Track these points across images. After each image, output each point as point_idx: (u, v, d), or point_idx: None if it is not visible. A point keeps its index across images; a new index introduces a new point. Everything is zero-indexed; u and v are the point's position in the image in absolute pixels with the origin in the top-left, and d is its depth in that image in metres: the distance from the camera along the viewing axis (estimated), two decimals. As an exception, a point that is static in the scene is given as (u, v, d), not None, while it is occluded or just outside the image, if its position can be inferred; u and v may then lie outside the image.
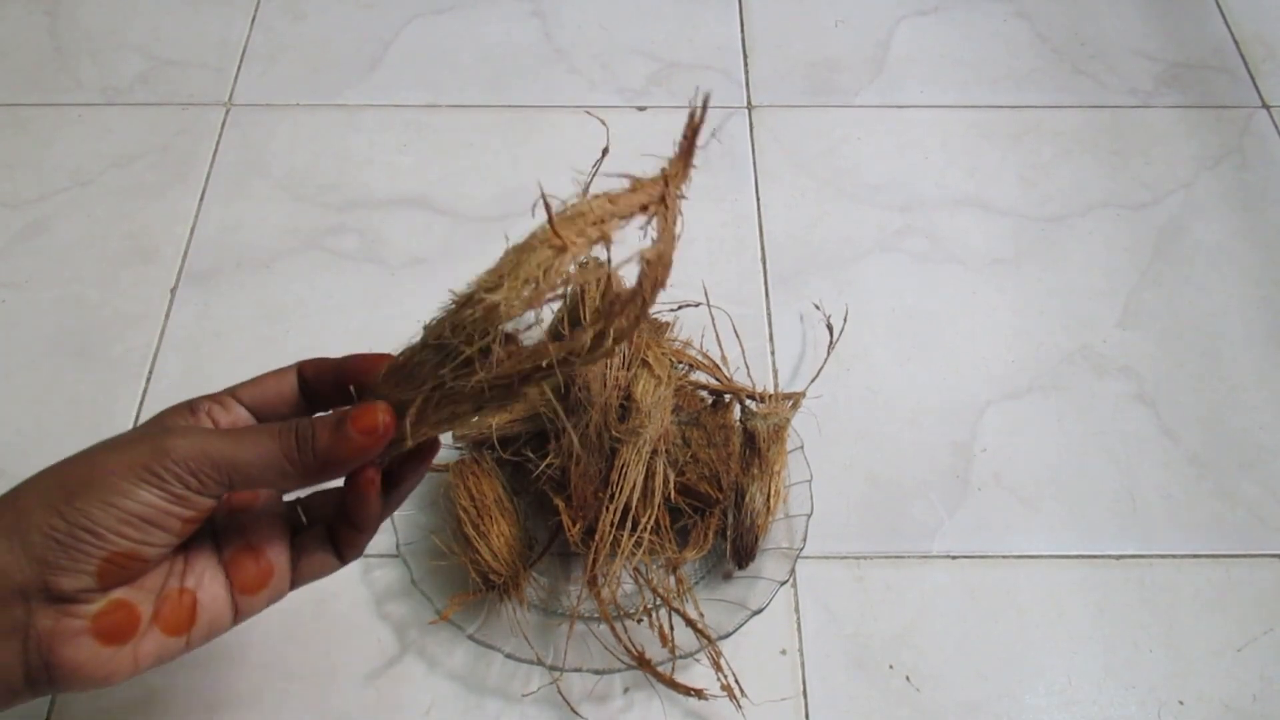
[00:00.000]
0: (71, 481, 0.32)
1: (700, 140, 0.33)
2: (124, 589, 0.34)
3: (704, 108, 0.32)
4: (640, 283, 0.32)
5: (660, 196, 0.32)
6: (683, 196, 0.33)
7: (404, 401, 0.35)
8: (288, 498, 0.42)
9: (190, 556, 0.37)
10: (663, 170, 0.33)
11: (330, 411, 0.36)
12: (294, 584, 0.40)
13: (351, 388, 0.38)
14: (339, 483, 0.39)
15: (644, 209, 0.32)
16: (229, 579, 0.37)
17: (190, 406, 0.37)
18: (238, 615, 0.38)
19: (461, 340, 0.33)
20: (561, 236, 0.31)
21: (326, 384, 0.39)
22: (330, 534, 0.39)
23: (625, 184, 0.32)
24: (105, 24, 0.89)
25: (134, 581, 0.34)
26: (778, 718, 0.57)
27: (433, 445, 0.39)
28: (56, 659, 0.32)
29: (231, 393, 0.38)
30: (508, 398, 0.34)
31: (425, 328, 0.35)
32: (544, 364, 0.32)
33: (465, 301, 0.33)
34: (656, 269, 0.32)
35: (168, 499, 0.33)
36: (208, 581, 0.37)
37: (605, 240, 0.32)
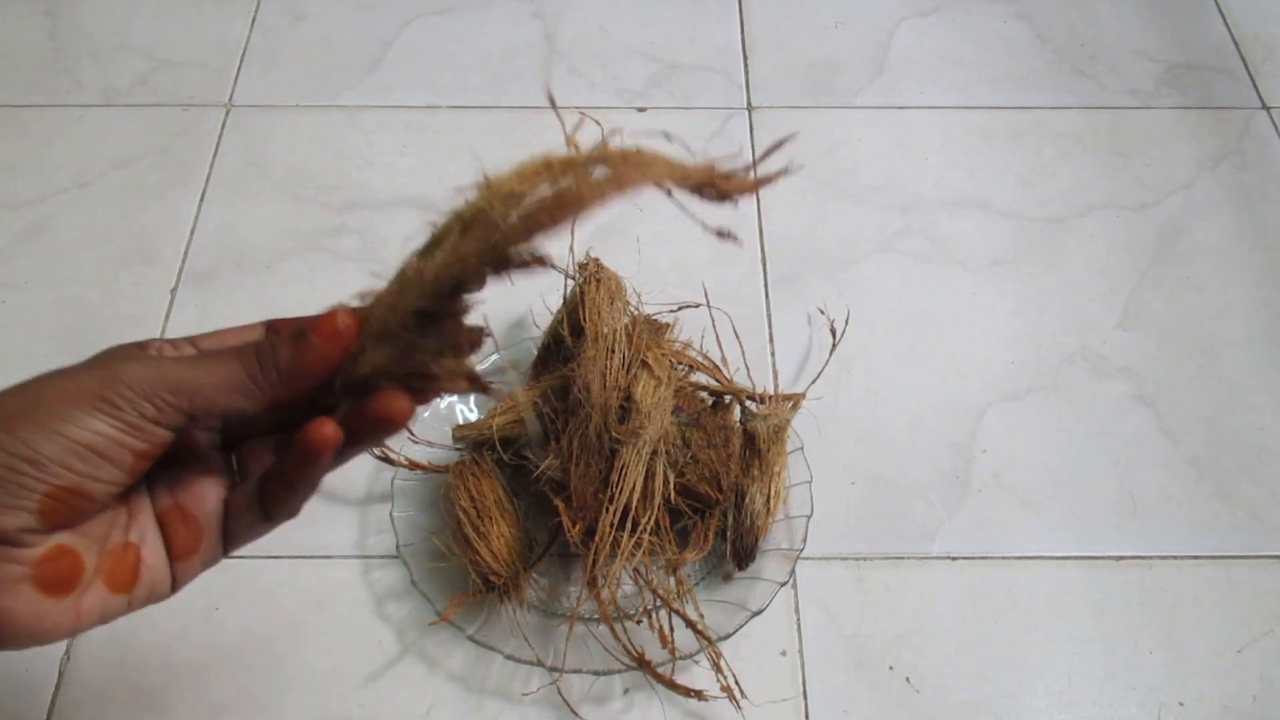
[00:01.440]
0: (12, 409, 0.29)
1: (766, 176, 0.32)
2: (68, 534, 0.31)
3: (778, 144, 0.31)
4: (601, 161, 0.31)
5: (696, 181, 0.32)
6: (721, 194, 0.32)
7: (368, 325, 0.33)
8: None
9: (132, 509, 0.34)
10: (717, 167, 0.32)
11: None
12: (227, 549, 0.37)
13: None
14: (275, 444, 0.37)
15: (669, 181, 0.32)
16: (164, 541, 0.35)
17: (141, 345, 0.34)
18: (175, 583, 0.35)
19: (424, 251, 0.32)
20: (564, 158, 0.30)
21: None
22: (260, 491, 0.36)
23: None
24: (105, 25, 0.89)
25: (78, 525, 0.31)
26: (778, 719, 0.57)
27: (390, 410, 0.34)
28: None
29: (190, 339, 0.35)
30: (448, 339, 0.33)
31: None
32: (496, 240, 0.31)
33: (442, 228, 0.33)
34: (622, 167, 0.31)
35: (121, 428, 0.30)
36: (150, 540, 0.34)
37: (621, 186, 0.31)
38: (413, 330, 0.33)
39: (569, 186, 0.31)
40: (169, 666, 0.58)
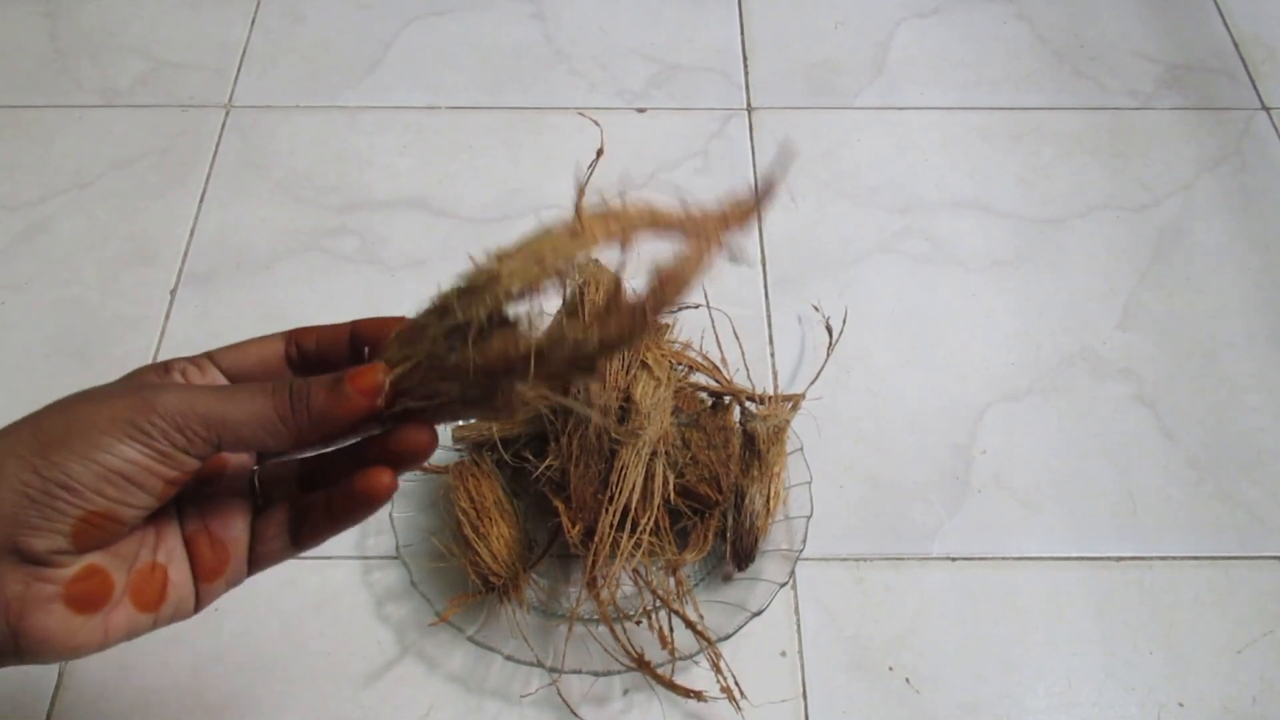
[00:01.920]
0: (48, 434, 0.30)
1: (767, 199, 0.32)
2: (98, 554, 0.32)
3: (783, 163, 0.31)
4: (646, 294, 0.31)
5: (706, 229, 0.32)
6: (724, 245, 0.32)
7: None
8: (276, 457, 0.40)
9: (160, 530, 0.35)
10: (724, 208, 0.32)
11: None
12: (251, 571, 0.37)
13: (366, 350, 0.36)
14: (301, 458, 0.37)
15: (683, 232, 0.31)
16: (190, 562, 0.35)
17: (164, 366, 0.35)
18: (199, 602, 0.36)
19: (461, 306, 0.32)
20: (584, 223, 0.30)
21: (336, 352, 0.37)
22: (293, 521, 0.37)
23: (681, 202, 0.32)
24: (105, 26, 0.89)
25: (109, 546, 0.32)
26: (777, 719, 0.56)
27: (422, 439, 0.35)
28: (26, 626, 0.30)
29: (209, 356, 0.36)
30: (490, 396, 0.32)
31: (439, 293, 0.33)
32: (526, 356, 0.31)
33: (477, 269, 0.32)
34: (667, 286, 0.31)
35: (153, 456, 0.30)
36: (177, 560, 0.35)
37: (625, 242, 0.31)
38: (452, 381, 0.33)
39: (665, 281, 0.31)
40: (168, 667, 0.58)
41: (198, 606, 0.36)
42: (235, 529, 0.37)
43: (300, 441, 0.33)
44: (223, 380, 0.36)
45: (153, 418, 0.30)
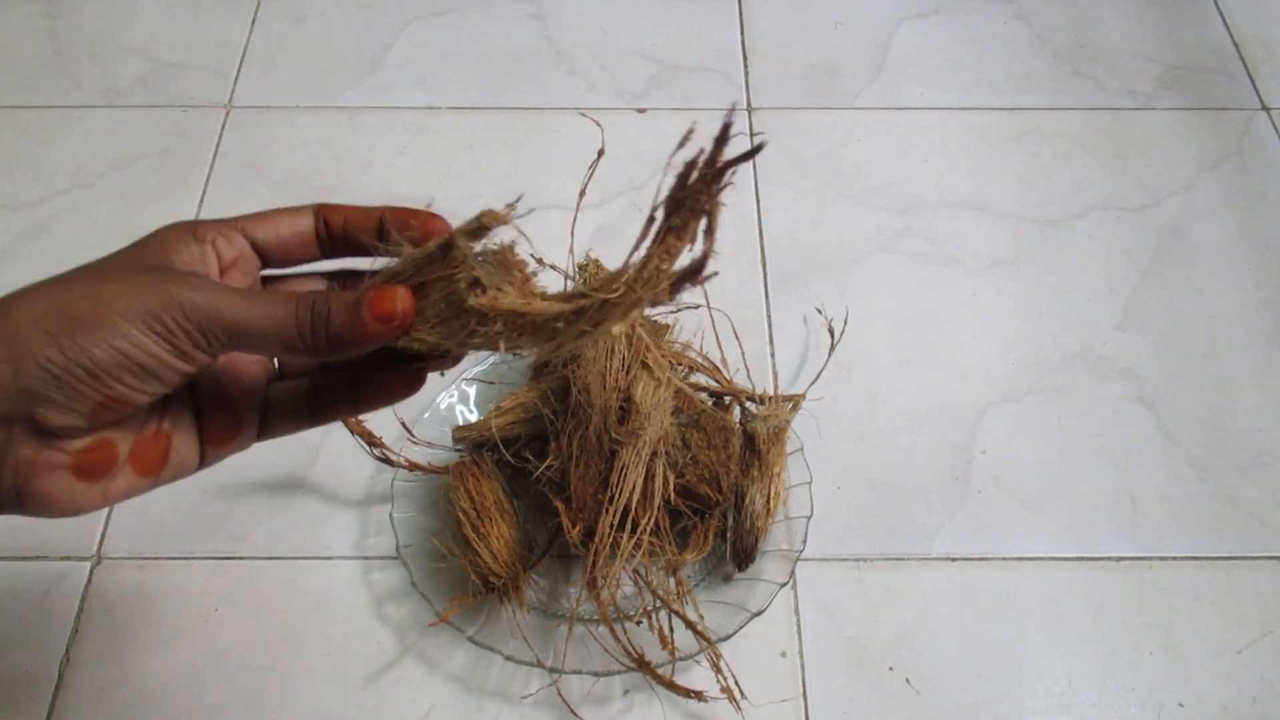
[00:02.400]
0: (74, 313, 0.30)
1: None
2: (107, 428, 0.33)
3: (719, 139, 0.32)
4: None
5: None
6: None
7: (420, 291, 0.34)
8: None
9: (169, 395, 0.35)
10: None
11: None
12: (261, 438, 0.38)
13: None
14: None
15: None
16: (199, 427, 0.36)
17: (194, 232, 0.35)
18: (203, 463, 0.37)
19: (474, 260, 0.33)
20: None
21: (365, 234, 0.37)
22: (310, 393, 0.38)
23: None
24: (105, 26, 0.89)
25: (117, 424, 0.33)
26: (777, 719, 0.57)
27: (413, 373, 0.36)
28: (31, 488, 0.31)
29: (240, 226, 0.36)
30: (510, 332, 0.33)
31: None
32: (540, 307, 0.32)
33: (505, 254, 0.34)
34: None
35: (172, 352, 0.31)
36: (183, 426, 0.36)
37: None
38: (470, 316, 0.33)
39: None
40: (168, 667, 0.58)
41: (201, 465, 0.37)
42: (248, 396, 0.37)
43: (315, 357, 0.33)
44: (250, 253, 0.36)
45: (177, 315, 0.31)
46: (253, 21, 0.90)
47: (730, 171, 0.31)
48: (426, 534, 0.60)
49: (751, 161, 0.81)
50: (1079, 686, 0.58)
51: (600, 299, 0.31)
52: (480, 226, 0.34)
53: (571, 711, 0.56)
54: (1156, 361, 0.71)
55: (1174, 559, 0.63)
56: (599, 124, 0.76)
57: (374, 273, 0.35)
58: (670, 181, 0.32)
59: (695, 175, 0.32)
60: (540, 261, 0.62)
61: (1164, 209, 0.79)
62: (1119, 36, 0.90)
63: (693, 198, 0.31)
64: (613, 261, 0.68)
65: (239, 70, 0.86)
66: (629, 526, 0.54)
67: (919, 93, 0.86)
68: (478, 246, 0.34)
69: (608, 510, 0.54)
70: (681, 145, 0.33)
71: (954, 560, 0.62)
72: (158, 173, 0.79)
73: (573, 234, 0.62)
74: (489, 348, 0.34)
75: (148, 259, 0.34)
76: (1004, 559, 0.62)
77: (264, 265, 0.37)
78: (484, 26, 0.90)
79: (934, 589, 0.61)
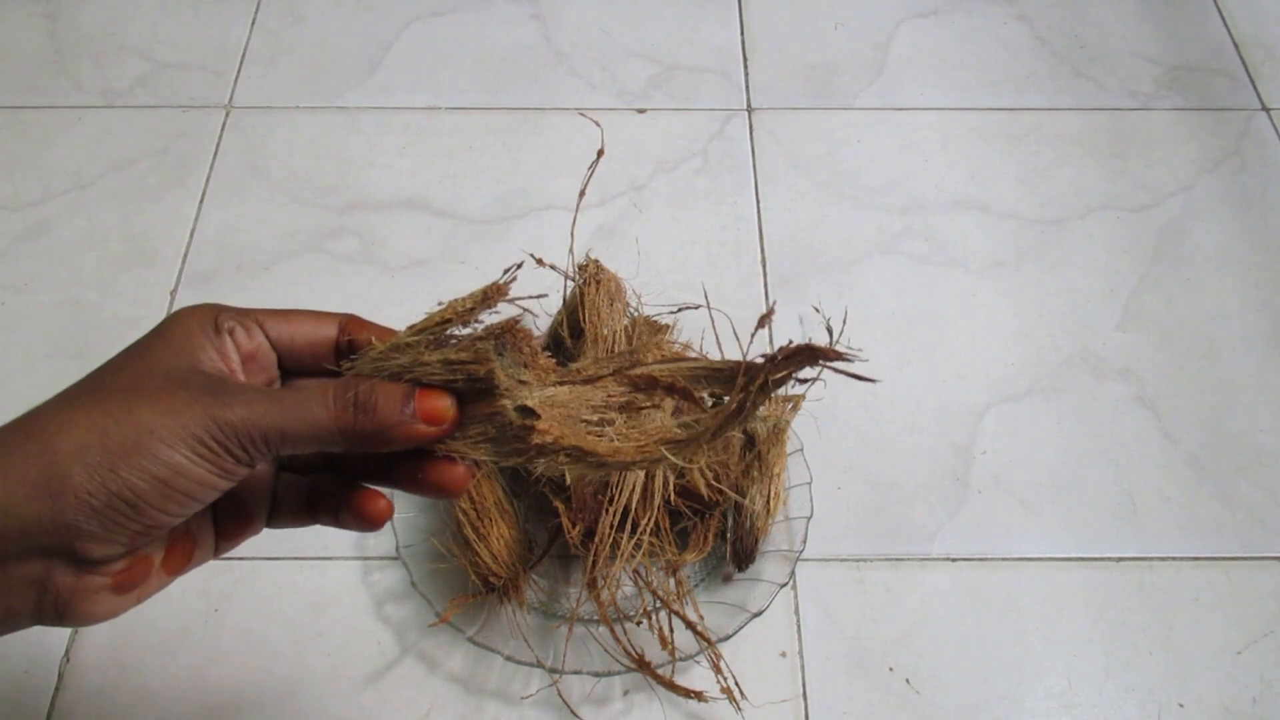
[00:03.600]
0: (115, 444, 0.30)
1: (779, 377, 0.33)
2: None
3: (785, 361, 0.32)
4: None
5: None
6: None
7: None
8: None
9: None
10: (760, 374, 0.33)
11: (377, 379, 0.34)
12: (270, 526, 0.38)
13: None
14: None
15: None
16: (214, 522, 0.36)
17: (215, 322, 0.34)
18: (217, 554, 0.37)
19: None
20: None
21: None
22: (312, 493, 0.37)
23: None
24: (105, 26, 0.89)
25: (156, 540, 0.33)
26: (777, 720, 0.57)
27: (457, 475, 0.35)
28: (72, 610, 0.31)
29: (258, 319, 0.35)
30: (509, 438, 0.33)
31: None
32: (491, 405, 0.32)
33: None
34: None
35: (215, 472, 0.31)
36: (204, 525, 0.36)
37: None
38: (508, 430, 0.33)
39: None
40: (168, 668, 0.58)
41: (216, 555, 0.37)
42: (259, 494, 0.37)
43: (354, 449, 0.33)
44: (267, 349, 0.35)
45: (218, 435, 0.30)
46: (253, 22, 0.90)
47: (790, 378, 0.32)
48: (426, 534, 0.60)
49: (752, 162, 0.81)
50: (1079, 687, 0.58)
51: (664, 453, 0.32)
52: (485, 299, 0.33)
53: (571, 712, 0.56)
54: (1156, 362, 0.71)
55: (1174, 559, 0.63)
56: (599, 124, 0.76)
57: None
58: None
59: (790, 356, 0.32)
60: (540, 261, 0.62)
61: (1164, 209, 0.79)
62: (1119, 37, 0.91)
63: (764, 388, 0.32)
64: (613, 261, 0.68)
65: (239, 71, 0.86)
66: (629, 527, 0.54)
67: (919, 93, 0.86)
68: (482, 321, 0.34)
69: (608, 510, 0.54)
70: (762, 325, 0.34)
71: (954, 561, 0.62)
72: (158, 173, 0.79)
73: (573, 234, 0.62)
74: (547, 471, 0.34)
75: (173, 361, 0.33)
76: (1004, 559, 0.62)
77: (279, 365, 0.36)
78: (484, 27, 0.90)
79: (934, 589, 0.61)
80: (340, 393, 0.32)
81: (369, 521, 0.36)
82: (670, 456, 0.32)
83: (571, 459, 0.33)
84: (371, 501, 0.36)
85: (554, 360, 0.35)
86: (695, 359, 0.33)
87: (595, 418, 0.33)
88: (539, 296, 0.35)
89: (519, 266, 0.34)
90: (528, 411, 0.32)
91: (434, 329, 0.33)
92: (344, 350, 0.36)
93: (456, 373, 0.32)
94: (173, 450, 0.30)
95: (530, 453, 0.32)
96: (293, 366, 0.36)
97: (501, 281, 0.33)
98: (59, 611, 0.31)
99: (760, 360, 0.32)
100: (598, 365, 0.35)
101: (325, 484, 0.37)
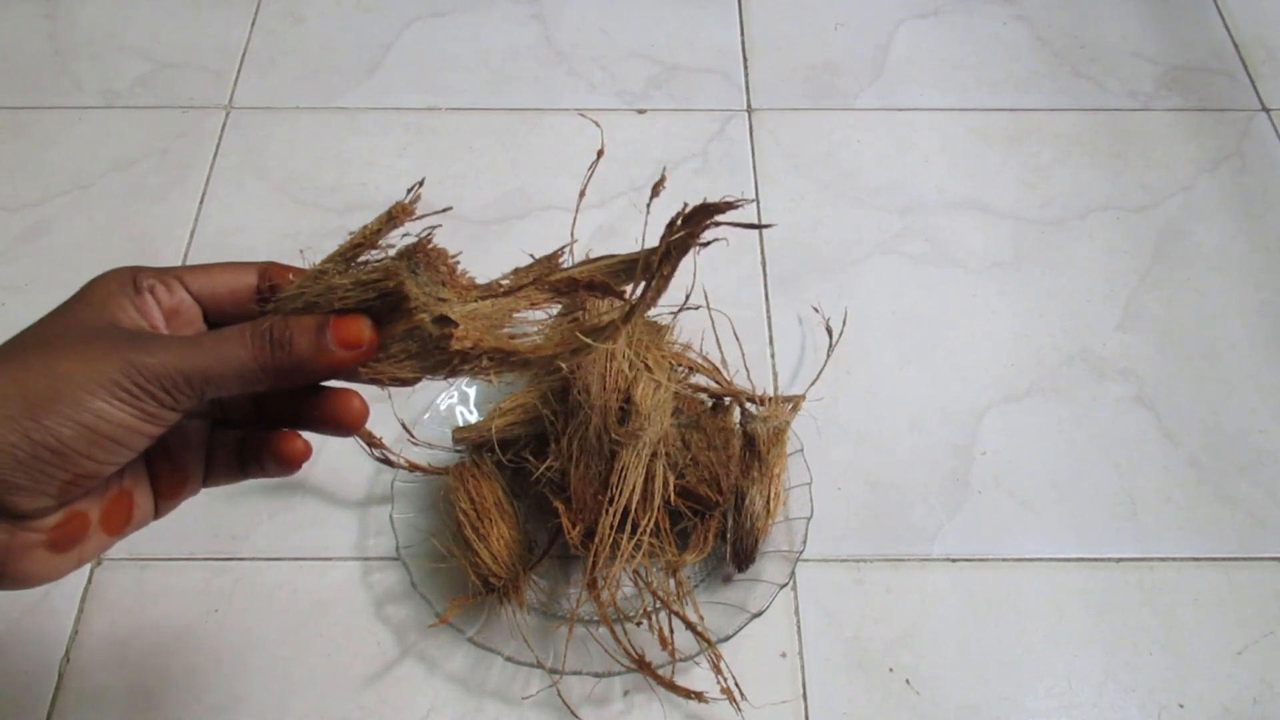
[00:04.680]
0: (34, 394, 0.30)
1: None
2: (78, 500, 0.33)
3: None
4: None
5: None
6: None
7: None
8: None
9: None
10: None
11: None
12: (207, 485, 0.38)
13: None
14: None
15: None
16: (151, 480, 0.36)
17: (134, 281, 0.35)
18: (157, 514, 0.37)
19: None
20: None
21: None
22: (240, 446, 0.38)
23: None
24: (105, 27, 0.89)
25: (88, 492, 0.33)
26: (778, 721, 0.57)
27: (353, 407, 0.36)
28: (8, 570, 0.31)
29: (180, 276, 0.36)
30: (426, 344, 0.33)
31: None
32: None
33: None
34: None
35: (139, 416, 0.31)
36: (141, 483, 0.36)
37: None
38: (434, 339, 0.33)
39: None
40: (168, 668, 0.58)
41: (156, 517, 0.37)
42: (193, 450, 0.37)
43: (278, 385, 0.33)
44: (189, 303, 0.36)
45: (138, 379, 0.30)
46: (253, 22, 0.90)
47: (713, 222, 0.32)
48: (426, 535, 0.60)
49: (752, 162, 0.81)
50: (1079, 687, 0.58)
51: (584, 340, 0.32)
52: (391, 220, 0.34)
53: (571, 712, 0.56)
54: (1156, 362, 0.71)
55: (1174, 560, 0.63)
56: (599, 124, 0.76)
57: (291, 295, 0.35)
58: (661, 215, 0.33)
59: (688, 218, 0.33)
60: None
61: (1164, 210, 0.79)
62: (1119, 37, 0.91)
63: (683, 241, 0.32)
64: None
65: (239, 71, 0.87)
66: (629, 527, 0.54)
67: (919, 93, 0.86)
68: (394, 241, 0.34)
69: (608, 511, 0.54)
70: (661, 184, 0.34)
71: (954, 561, 0.62)
72: (158, 174, 0.79)
73: (573, 234, 0.62)
74: (474, 377, 0.35)
75: (92, 319, 0.33)
76: (1004, 560, 0.62)
77: (204, 317, 0.36)
78: (484, 27, 0.90)
79: (934, 590, 0.61)
80: (257, 331, 0.32)
81: (286, 463, 0.36)
82: (588, 340, 0.32)
83: (495, 361, 0.33)
84: (289, 442, 0.36)
85: (473, 277, 0.35)
86: (609, 256, 0.34)
87: (519, 328, 0.34)
88: (445, 210, 0.35)
89: (421, 184, 0.34)
90: (445, 320, 0.32)
91: (346, 255, 0.34)
92: (266, 295, 0.36)
93: (368, 291, 0.33)
94: (93, 396, 0.30)
95: (453, 361, 0.33)
96: (218, 318, 0.36)
97: (406, 201, 0.33)
98: None
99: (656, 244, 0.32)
100: (518, 276, 0.35)
101: (252, 435, 0.38)
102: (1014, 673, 0.58)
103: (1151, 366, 0.71)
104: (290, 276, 0.35)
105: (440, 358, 0.33)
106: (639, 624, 0.56)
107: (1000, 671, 0.58)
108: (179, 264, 0.73)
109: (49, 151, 0.81)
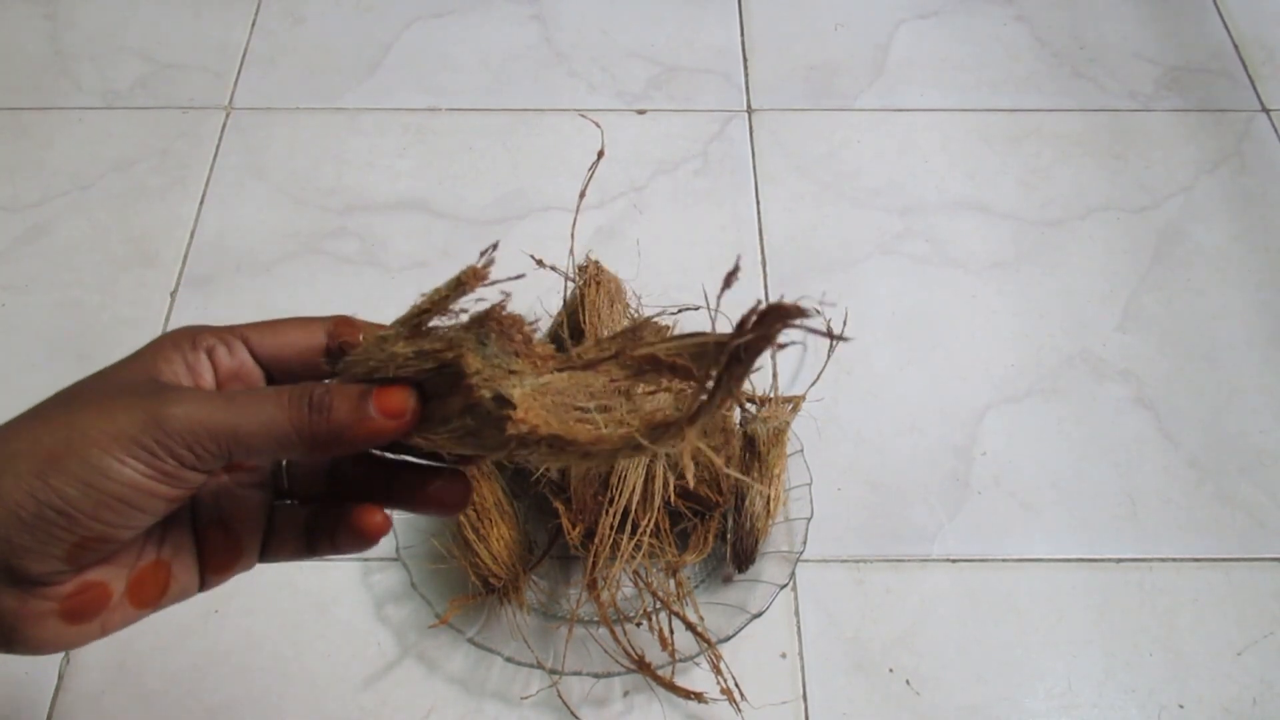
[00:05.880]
0: (48, 449, 0.28)
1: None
2: (96, 568, 0.31)
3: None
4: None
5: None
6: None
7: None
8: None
9: (168, 523, 0.33)
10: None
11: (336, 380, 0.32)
12: (263, 560, 0.36)
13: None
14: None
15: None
16: (200, 553, 0.34)
17: (192, 340, 0.32)
18: (203, 588, 0.34)
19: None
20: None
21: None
22: (311, 522, 0.35)
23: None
24: (105, 27, 0.89)
25: (107, 561, 0.31)
26: (778, 721, 0.57)
27: (455, 492, 0.34)
28: (19, 636, 0.29)
29: (244, 335, 0.33)
30: (485, 428, 0.31)
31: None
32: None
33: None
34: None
35: (154, 477, 0.29)
36: (184, 554, 0.33)
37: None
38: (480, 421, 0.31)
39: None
40: (168, 669, 0.58)
41: (201, 589, 0.35)
42: (251, 521, 0.35)
43: (315, 453, 0.31)
44: (252, 366, 0.33)
45: (159, 435, 0.28)
46: (253, 23, 0.90)
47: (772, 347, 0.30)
48: (426, 535, 0.60)
49: (752, 163, 0.81)
50: (1079, 688, 0.58)
51: (644, 442, 0.30)
52: (460, 285, 0.31)
53: (571, 713, 0.56)
54: (1156, 363, 0.71)
55: (1174, 560, 0.63)
56: (599, 125, 0.76)
57: (349, 363, 0.33)
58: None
59: (761, 319, 0.30)
60: (540, 262, 0.62)
61: (1164, 210, 0.79)
62: (1119, 38, 0.91)
63: (755, 344, 0.29)
64: (613, 262, 0.68)
65: (239, 72, 0.87)
66: (629, 528, 0.54)
67: (919, 94, 0.86)
68: (464, 306, 0.32)
69: (608, 512, 0.54)
70: (728, 285, 0.31)
71: (954, 562, 0.62)
72: (158, 174, 0.79)
73: (573, 235, 0.62)
74: (534, 464, 0.33)
75: (133, 375, 0.31)
76: (1004, 560, 0.62)
77: (268, 380, 0.34)
78: (484, 28, 0.90)
79: (934, 590, 0.61)
80: (297, 394, 0.30)
81: (365, 536, 0.34)
82: (649, 444, 0.30)
83: (552, 450, 0.30)
84: (369, 515, 0.34)
85: (552, 346, 0.33)
86: (694, 335, 0.31)
87: (593, 405, 0.31)
88: (517, 278, 0.33)
89: (495, 247, 0.32)
90: (504, 401, 0.30)
91: (413, 320, 0.32)
92: (336, 354, 0.34)
93: (427, 361, 0.31)
94: (104, 453, 0.28)
95: (510, 444, 0.30)
96: (282, 378, 0.34)
97: (479, 265, 0.31)
98: (6, 637, 0.30)
99: (729, 334, 0.30)
100: (599, 347, 0.32)
101: (324, 510, 0.35)
102: (1014, 673, 0.58)
103: (1151, 367, 0.71)
104: (361, 337, 0.33)
105: (497, 438, 0.30)
106: (639, 624, 0.56)
107: (1000, 672, 0.58)
108: (179, 265, 0.74)
109: (49, 152, 0.81)
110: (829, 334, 0.29)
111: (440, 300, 0.31)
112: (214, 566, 0.34)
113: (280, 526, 0.35)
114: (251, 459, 0.31)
